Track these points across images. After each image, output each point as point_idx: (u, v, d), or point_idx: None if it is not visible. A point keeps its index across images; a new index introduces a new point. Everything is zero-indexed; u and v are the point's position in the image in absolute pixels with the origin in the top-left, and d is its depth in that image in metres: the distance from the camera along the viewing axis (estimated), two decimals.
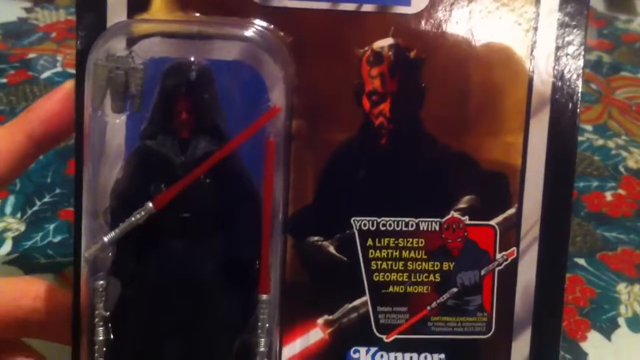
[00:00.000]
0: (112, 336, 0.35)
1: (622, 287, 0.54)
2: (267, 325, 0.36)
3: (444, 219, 0.40)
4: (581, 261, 0.56)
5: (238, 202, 0.35)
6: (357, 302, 0.40)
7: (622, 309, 0.52)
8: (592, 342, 0.49)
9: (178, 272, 0.34)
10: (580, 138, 0.70)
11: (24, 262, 0.52)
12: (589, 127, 0.72)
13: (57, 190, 0.59)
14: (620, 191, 0.64)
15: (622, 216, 0.61)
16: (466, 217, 0.40)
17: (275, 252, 0.36)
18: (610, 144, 0.70)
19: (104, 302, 0.34)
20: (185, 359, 0.34)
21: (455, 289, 0.40)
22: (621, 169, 0.67)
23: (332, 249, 0.40)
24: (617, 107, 0.76)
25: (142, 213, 0.34)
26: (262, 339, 0.35)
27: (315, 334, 0.40)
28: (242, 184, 0.36)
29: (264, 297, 0.35)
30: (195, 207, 0.34)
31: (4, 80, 0.71)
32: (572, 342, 0.49)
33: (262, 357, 0.35)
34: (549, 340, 0.41)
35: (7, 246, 0.53)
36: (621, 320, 0.51)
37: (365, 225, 0.40)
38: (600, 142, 0.71)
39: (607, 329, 0.51)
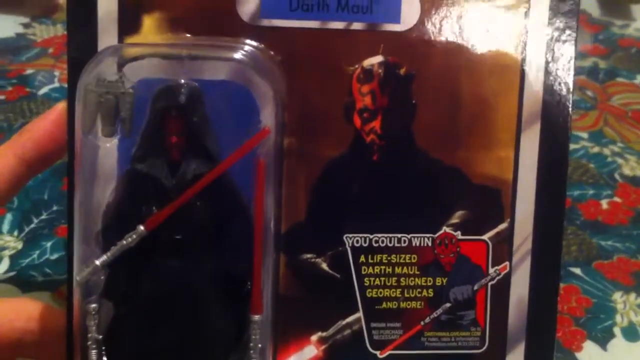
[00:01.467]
0: (105, 359, 0.35)
1: (617, 296, 0.54)
2: (259, 345, 0.36)
3: (436, 235, 0.40)
4: (577, 270, 0.56)
5: (229, 222, 0.35)
6: (350, 319, 0.40)
7: (618, 318, 0.52)
8: (588, 352, 0.49)
9: (170, 293, 0.35)
10: (575, 146, 0.71)
11: (21, 280, 0.52)
12: (584, 135, 0.72)
13: (54, 207, 0.59)
14: (616, 199, 0.64)
15: (619, 224, 0.61)
16: (458, 232, 0.40)
17: (267, 270, 0.36)
18: (606, 151, 0.70)
19: (97, 325, 0.34)
20: None
21: (448, 304, 0.40)
22: (617, 176, 0.67)
23: (324, 266, 0.40)
24: (613, 113, 0.76)
25: (134, 236, 0.34)
26: (255, 358, 0.36)
27: (309, 351, 0.40)
28: (233, 204, 0.36)
29: (256, 317, 0.36)
30: (186, 228, 0.34)
31: (2, 97, 0.72)
32: (567, 352, 0.49)
33: None
34: (543, 353, 0.41)
35: (5, 264, 0.54)
36: (617, 330, 0.51)
37: (357, 241, 0.40)
38: (596, 149, 0.71)
39: (603, 339, 0.51)
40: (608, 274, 0.56)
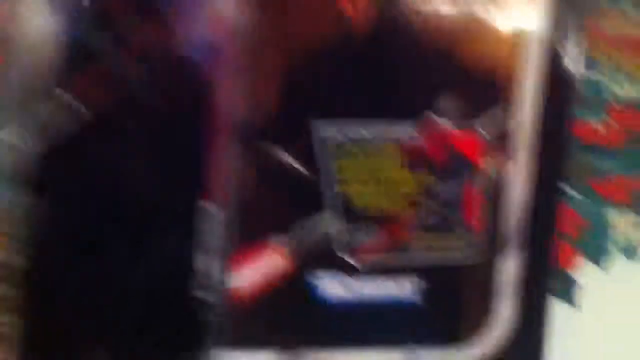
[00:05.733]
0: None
1: (615, 215, 0.49)
2: (211, 239, 0.30)
3: (421, 123, 0.34)
4: (570, 190, 0.51)
5: (182, 99, 0.29)
6: (319, 220, 0.34)
7: (616, 236, 0.47)
8: (584, 272, 0.45)
9: (113, 181, 0.28)
10: None
11: None
12: None
13: None
14: (610, 120, 0.59)
15: (613, 144, 0.56)
16: (448, 121, 0.34)
17: (221, 159, 0.30)
18: (597, 74, 0.65)
19: None
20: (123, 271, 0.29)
21: (434, 205, 0.35)
22: (610, 98, 0.62)
23: (290, 159, 0.34)
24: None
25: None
26: (206, 256, 0.30)
27: (271, 258, 0.35)
28: (187, 80, 0.29)
29: (209, 206, 0.30)
30: (130, 105, 0.28)
31: None
32: (561, 272, 0.44)
33: (204, 276, 0.30)
34: (539, 262, 0.36)
35: None
36: (615, 248, 0.47)
37: (329, 131, 0.34)
38: (587, 72, 0.66)
39: (600, 258, 0.46)
40: (604, 193, 0.51)
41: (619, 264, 0.46)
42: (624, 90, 0.62)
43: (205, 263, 0.30)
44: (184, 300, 0.30)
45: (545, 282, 0.37)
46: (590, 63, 0.67)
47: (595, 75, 0.65)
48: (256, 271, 0.35)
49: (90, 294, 0.30)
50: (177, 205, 0.30)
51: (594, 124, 0.58)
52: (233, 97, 0.32)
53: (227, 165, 0.31)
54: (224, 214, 0.31)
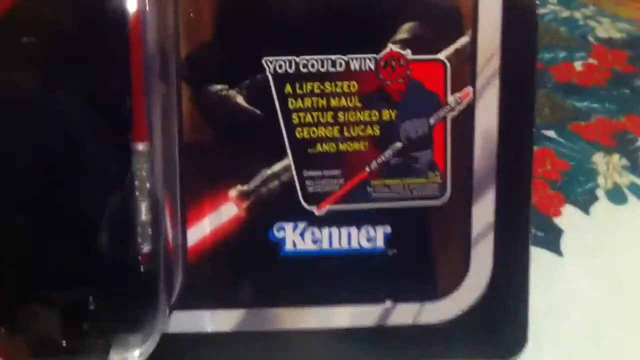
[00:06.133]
0: None
1: (599, 158, 0.47)
2: (147, 184, 0.27)
3: (380, 55, 0.31)
4: (550, 133, 0.49)
5: (100, 25, 0.26)
6: (277, 167, 0.32)
7: (601, 180, 0.45)
8: (568, 217, 0.42)
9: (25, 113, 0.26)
10: (543, 10, 0.63)
11: None
12: None
13: None
14: (591, 60, 0.57)
15: (595, 85, 0.54)
16: (408, 51, 0.32)
17: (151, 89, 0.27)
18: (577, 14, 0.63)
19: None
20: (46, 219, 0.26)
21: (399, 144, 0.32)
22: (590, 38, 0.60)
23: (240, 100, 0.31)
24: None
25: None
26: (143, 203, 0.27)
27: (227, 210, 0.32)
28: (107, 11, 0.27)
29: (140, 146, 0.27)
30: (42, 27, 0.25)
31: None
32: (544, 217, 0.42)
33: (144, 227, 0.27)
34: (517, 201, 0.33)
35: None
36: (600, 192, 0.44)
37: (281, 66, 0.31)
38: (566, 13, 0.63)
39: (585, 203, 0.44)
40: (587, 136, 0.49)
41: (606, 208, 0.44)
42: (606, 30, 0.60)
43: (148, 213, 0.27)
44: (125, 254, 0.27)
45: (525, 225, 0.34)
46: (572, 2, 0.65)
47: (577, 15, 0.63)
48: (211, 224, 0.32)
49: (23, 249, 0.27)
50: (106, 148, 0.27)
51: (575, 65, 0.56)
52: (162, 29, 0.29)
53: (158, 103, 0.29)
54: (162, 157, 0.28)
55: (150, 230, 0.27)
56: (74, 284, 0.28)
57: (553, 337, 0.35)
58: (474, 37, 0.32)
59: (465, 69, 0.32)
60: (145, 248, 0.28)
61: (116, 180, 0.27)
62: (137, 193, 0.27)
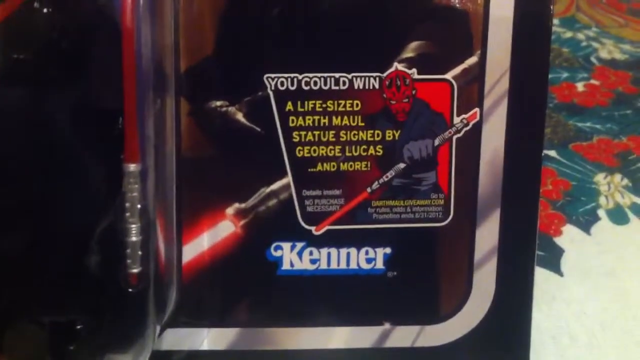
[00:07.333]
0: None
1: (600, 178, 0.46)
2: (137, 206, 0.26)
3: (385, 74, 0.31)
4: (552, 153, 0.49)
5: (92, 42, 0.25)
6: (276, 186, 0.31)
7: (602, 200, 0.45)
8: (569, 237, 0.42)
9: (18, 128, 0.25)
10: None
11: None
12: (555, 21, 0.65)
13: None
14: (594, 81, 0.57)
15: (597, 106, 0.53)
16: (414, 70, 0.31)
17: (145, 108, 0.26)
18: (580, 35, 0.63)
19: None
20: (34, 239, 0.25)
21: (402, 165, 0.31)
22: (593, 59, 0.60)
23: (240, 116, 0.30)
24: None
25: None
26: (133, 225, 0.26)
27: (224, 228, 0.31)
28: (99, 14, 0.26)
29: (132, 167, 0.26)
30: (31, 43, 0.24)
31: None
32: (545, 237, 0.41)
33: (134, 247, 0.26)
34: (523, 224, 0.32)
35: None
36: (601, 212, 0.44)
37: (282, 84, 0.30)
38: (569, 34, 0.63)
39: (586, 222, 0.43)
40: (588, 156, 0.48)
41: (607, 228, 0.43)
42: (609, 51, 0.60)
43: (139, 234, 0.26)
44: (114, 275, 0.26)
45: (531, 248, 0.33)
46: (575, 24, 0.65)
47: (580, 36, 0.63)
48: (208, 242, 0.31)
49: (11, 269, 0.27)
50: (97, 169, 0.26)
51: (577, 85, 0.55)
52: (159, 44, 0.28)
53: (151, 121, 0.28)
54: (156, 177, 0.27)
55: (140, 251, 0.26)
56: (62, 304, 0.27)
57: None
58: (483, 58, 0.31)
59: (473, 89, 0.31)
60: (135, 269, 0.27)
61: (106, 201, 0.26)
62: (127, 214, 0.26)
